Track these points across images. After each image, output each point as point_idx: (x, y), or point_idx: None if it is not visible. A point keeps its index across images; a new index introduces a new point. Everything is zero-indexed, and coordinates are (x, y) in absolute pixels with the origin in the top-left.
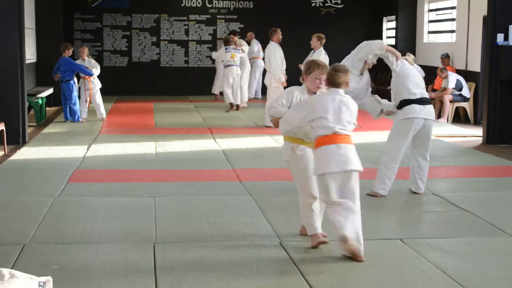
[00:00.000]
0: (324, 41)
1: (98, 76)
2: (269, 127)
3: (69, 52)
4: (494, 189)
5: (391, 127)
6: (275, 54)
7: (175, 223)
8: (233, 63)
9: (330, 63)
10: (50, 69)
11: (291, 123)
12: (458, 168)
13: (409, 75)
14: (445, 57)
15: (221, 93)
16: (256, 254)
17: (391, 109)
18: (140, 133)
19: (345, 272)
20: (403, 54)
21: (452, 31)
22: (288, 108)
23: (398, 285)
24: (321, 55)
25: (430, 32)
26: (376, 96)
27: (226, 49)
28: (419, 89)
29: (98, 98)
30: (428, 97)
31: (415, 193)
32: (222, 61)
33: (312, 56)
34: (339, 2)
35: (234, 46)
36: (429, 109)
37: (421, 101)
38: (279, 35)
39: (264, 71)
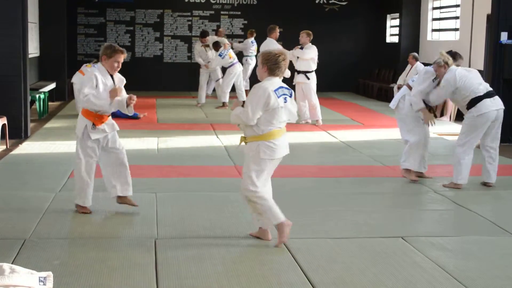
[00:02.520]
0: (312, 37)
1: None
2: None
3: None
4: (497, 188)
5: (464, 122)
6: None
7: (176, 219)
8: (234, 61)
9: (333, 59)
10: (53, 63)
11: None
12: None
13: (466, 77)
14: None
15: (214, 90)
16: (257, 251)
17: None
18: (143, 128)
19: (346, 270)
20: (407, 53)
21: (456, 29)
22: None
23: (400, 283)
24: (312, 48)
25: (433, 30)
26: None
27: (220, 55)
28: (482, 85)
29: None
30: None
31: (486, 184)
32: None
33: (302, 52)
34: None
35: (223, 47)
36: (498, 100)
37: (489, 95)
38: (277, 32)
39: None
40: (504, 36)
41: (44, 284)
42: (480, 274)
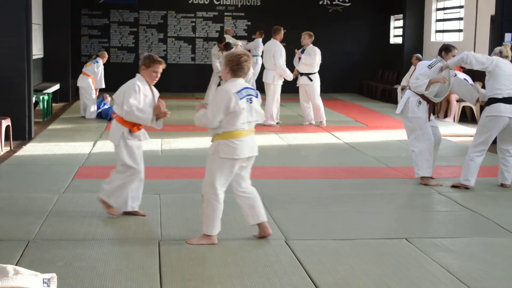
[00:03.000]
0: (313, 38)
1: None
2: (270, 125)
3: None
4: (501, 189)
5: (479, 122)
6: (282, 52)
7: (180, 220)
8: None
9: (336, 61)
10: (57, 65)
11: None
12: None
13: (498, 75)
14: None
15: None
16: (261, 252)
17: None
18: (146, 129)
19: (350, 271)
20: (410, 54)
21: (460, 30)
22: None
23: (404, 284)
24: (315, 49)
25: (437, 31)
26: (477, 84)
27: None
28: (507, 89)
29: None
30: None
31: (502, 185)
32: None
33: (305, 52)
34: (346, 0)
35: (235, 47)
36: None
37: (507, 100)
38: (282, 33)
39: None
40: (508, 37)
41: (48, 286)
42: (484, 275)
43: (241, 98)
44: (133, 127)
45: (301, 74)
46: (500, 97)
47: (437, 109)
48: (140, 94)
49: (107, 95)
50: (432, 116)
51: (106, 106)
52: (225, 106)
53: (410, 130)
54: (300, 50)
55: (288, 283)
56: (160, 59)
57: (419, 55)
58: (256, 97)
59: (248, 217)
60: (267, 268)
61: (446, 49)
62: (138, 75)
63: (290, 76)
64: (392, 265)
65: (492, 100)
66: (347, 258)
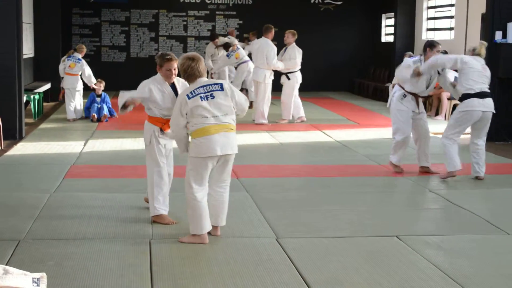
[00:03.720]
0: (296, 37)
1: (94, 72)
2: (261, 123)
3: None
4: (491, 187)
5: (452, 116)
6: (275, 51)
7: (171, 219)
8: (243, 60)
9: (328, 59)
10: (48, 64)
11: None
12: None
13: (467, 71)
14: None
15: None
16: (252, 251)
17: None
18: (138, 129)
19: (341, 268)
20: (402, 52)
21: (451, 29)
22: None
23: (394, 282)
24: (295, 49)
25: (428, 30)
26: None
27: (228, 55)
28: (477, 84)
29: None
30: (487, 90)
31: (477, 177)
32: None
33: (286, 51)
34: None
35: (232, 48)
36: (488, 102)
37: (479, 95)
38: (273, 32)
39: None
40: (498, 35)
41: (38, 285)
42: (474, 272)
43: (190, 98)
44: (163, 125)
45: (281, 73)
46: (472, 92)
47: (428, 106)
48: (154, 93)
49: (100, 85)
50: (422, 110)
51: (97, 105)
52: (179, 110)
53: (393, 122)
54: (283, 49)
55: (279, 281)
56: (171, 57)
57: (411, 53)
58: (221, 90)
59: (211, 216)
60: (258, 267)
61: (430, 45)
62: (158, 74)
63: (283, 66)
64: (382, 263)
65: (466, 96)
66: (338, 256)
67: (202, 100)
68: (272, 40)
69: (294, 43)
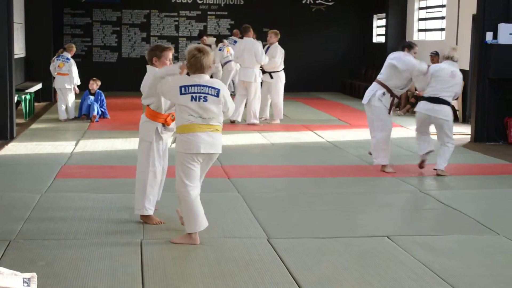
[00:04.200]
0: (279, 37)
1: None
2: (253, 124)
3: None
4: (482, 187)
5: None
6: (261, 46)
7: (162, 219)
8: (230, 58)
9: (319, 59)
10: (39, 64)
11: None
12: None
13: (434, 81)
14: (435, 55)
15: None
16: (243, 251)
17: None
18: (129, 129)
19: (332, 269)
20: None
21: (442, 29)
22: None
23: (385, 282)
24: (277, 49)
25: (420, 30)
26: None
27: (220, 49)
28: (436, 91)
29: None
30: (441, 97)
31: (423, 158)
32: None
33: (268, 51)
34: None
35: (223, 43)
36: (437, 108)
37: (431, 99)
38: (252, 31)
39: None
40: (489, 36)
41: (28, 286)
42: (464, 272)
43: (182, 93)
44: (166, 120)
45: (263, 71)
46: (426, 96)
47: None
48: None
49: (93, 83)
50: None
51: (88, 102)
52: (167, 91)
53: (371, 120)
54: (265, 48)
55: (270, 281)
56: (168, 45)
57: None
58: (216, 96)
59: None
60: (249, 267)
61: (409, 47)
62: (150, 67)
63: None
64: (373, 263)
65: (421, 98)
66: (329, 256)
67: (191, 101)
68: (263, 41)
69: (277, 43)
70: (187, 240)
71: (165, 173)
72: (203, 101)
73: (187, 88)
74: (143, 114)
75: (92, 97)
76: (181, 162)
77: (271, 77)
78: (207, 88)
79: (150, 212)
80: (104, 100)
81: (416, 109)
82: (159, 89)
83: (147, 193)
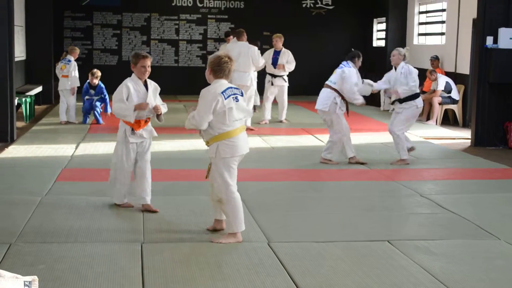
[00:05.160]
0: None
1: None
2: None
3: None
4: (482, 192)
5: (404, 113)
6: (257, 50)
7: (163, 223)
8: None
9: (319, 63)
10: (40, 67)
11: None
12: (447, 170)
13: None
14: (435, 59)
15: None
16: (244, 255)
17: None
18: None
19: (332, 273)
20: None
21: (442, 34)
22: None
23: (386, 286)
24: (289, 53)
25: (420, 34)
26: (368, 80)
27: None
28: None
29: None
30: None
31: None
32: None
33: (282, 56)
34: (329, 3)
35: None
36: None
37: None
38: (245, 35)
39: None
40: (489, 41)
41: None
42: (465, 277)
43: (226, 98)
44: (134, 125)
45: (275, 75)
46: (418, 91)
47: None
48: (131, 92)
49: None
50: None
51: (90, 99)
52: (212, 107)
53: (331, 124)
54: (271, 54)
55: (271, 285)
56: (145, 54)
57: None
58: (242, 95)
59: (216, 212)
60: (250, 271)
61: (358, 56)
62: (133, 74)
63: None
64: (374, 267)
65: (417, 95)
66: (329, 260)
67: (235, 101)
68: (263, 44)
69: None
70: (233, 239)
71: (144, 172)
72: (236, 101)
73: (225, 92)
74: None
75: (92, 92)
76: (227, 167)
77: (285, 81)
78: (234, 89)
79: (118, 201)
80: (107, 95)
81: (419, 104)
82: (199, 109)
83: (115, 184)
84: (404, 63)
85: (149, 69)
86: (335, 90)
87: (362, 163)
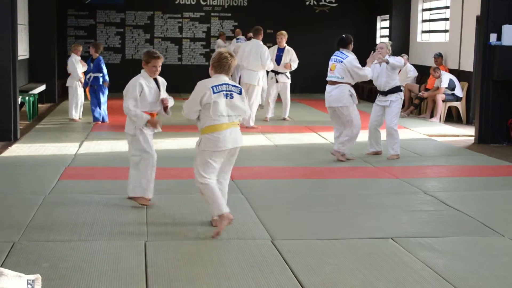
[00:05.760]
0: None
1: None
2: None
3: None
4: (486, 189)
5: (396, 106)
6: (268, 51)
7: (166, 221)
8: None
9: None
10: (43, 65)
11: None
12: (450, 168)
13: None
14: (438, 57)
15: None
16: (247, 253)
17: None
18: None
19: (336, 271)
20: (397, 54)
21: (446, 31)
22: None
23: (390, 284)
24: (293, 52)
25: (423, 32)
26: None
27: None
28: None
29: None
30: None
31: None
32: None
33: (286, 55)
34: (333, 1)
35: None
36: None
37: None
38: (262, 34)
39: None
40: (493, 38)
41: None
42: (469, 274)
43: (215, 92)
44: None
45: (278, 72)
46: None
47: (423, 108)
48: (144, 88)
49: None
50: None
51: (89, 75)
52: (199, 99)
53: (350, 118)
54: (275, 51)
55: (275, 283)
56: (158, 54)
57: (407, 56)
58: (239, 94)
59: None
60: (254, 269)
61: (351, 41)
62: (142, 70)
63: (273, 66)
64: (378, 265)
65: (400, 87)
66: (333, 258)
67: (226, 98)
68: (267, 42)
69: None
70: (222, 223)
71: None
72: (230, 98)
73: (217, 87)
74: None
75: (91, 65)
76: (205, 159)
77: (287, 78)
78: (231, 86)
79: (142, 194)
80: (104, 68)
81: (403, 96)
82: (190, 99)
83: (132, 177)
84: (388, 56)
85: (159, 69)
86: (346, 83)
87: (349, 159)
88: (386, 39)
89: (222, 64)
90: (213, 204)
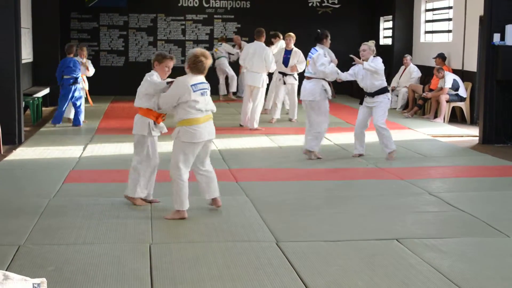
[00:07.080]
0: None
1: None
2: (256, 129)
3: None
4: (491, 189)
5: (385, 105)
6: (271, 53)
7: (171, 223)
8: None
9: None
10: (47, 69)
11: None
12: (455, 168)
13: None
14: (438, 57)
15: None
16: (252, 255)
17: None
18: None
19: (341, 272)
20: (400, 55)
21: (449, 31)
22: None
23: (395, 285)
24: (301, 54)
25: (426, 32)
26: (336, 68)
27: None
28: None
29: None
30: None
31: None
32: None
33: (294, 56)
34: (336, 2)
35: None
36: None
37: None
38: (265, 35)
39: None
40: (496, 38)
41: None
42: (474, 275)
43: (194, 91)
44: (157, 118)
45: (285, 74)
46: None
47: (427, 109)
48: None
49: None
50: None
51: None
52: (178, 97)
53: (319, 113)
54: (282, 53)
55: (280, 285)
56: (171, 56)
57: (410, 56)
58: (209, 89)
59: (205, 193)
60: (258, 271)
61: (326, 36)
62: (152, 70)
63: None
64: (383, 266)
65: (387, 88)
66: (338, 259)
67: (202, 95)
68: (270, 44)
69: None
70: (178, 216)
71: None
72: (206, 95)
73: (196, 85)
74: (137, 114)
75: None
76: (183, 151)
77: (295, 79)
78: (205, 84)
79: (141, 195)
80: (77, 70)
81: (390, 97)
82: (168, 93)
83: (140, 179)
84: (373, 57)
85: (170, 70)
86: (320, 78)
87: (319, 158)
88: (389, 40)
89: (198, 67)
90: (178, 198)
